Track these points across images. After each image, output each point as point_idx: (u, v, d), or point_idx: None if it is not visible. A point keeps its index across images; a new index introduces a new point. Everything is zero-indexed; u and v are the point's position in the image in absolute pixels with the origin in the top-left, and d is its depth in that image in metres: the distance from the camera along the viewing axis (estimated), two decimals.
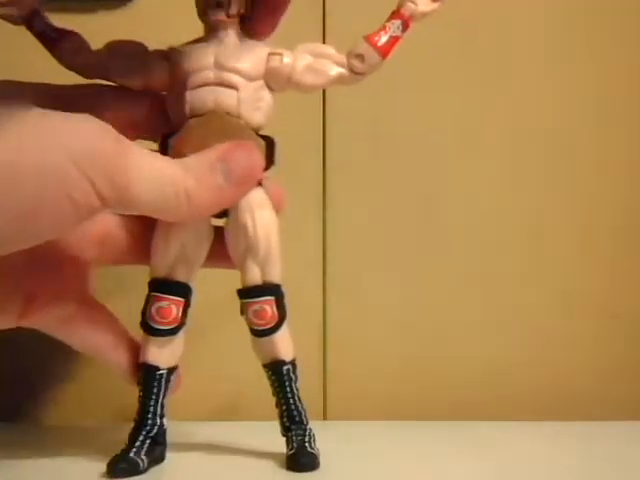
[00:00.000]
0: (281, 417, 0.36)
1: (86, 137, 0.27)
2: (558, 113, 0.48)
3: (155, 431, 0.35)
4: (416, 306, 0.47)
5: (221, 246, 0.35)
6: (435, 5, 0.33)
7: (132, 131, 0.33)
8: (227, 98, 0.33)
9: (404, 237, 0.48)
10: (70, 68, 0.33)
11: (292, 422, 0.35)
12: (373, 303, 0.47)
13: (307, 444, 0.35)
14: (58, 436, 0.42)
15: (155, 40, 0.34)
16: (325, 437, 0.37)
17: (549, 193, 0.48)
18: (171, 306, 0.34)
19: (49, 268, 0.33)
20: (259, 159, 0.32)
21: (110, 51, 0.34)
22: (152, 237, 0.34)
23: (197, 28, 0.33)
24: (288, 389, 0.35)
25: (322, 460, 0.35)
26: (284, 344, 0.35)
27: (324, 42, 0.46)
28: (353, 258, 0.47)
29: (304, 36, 0.45)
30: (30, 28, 0.33)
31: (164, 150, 0.32)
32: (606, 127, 0.48)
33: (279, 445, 0.36)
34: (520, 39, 0.47)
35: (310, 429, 0.36)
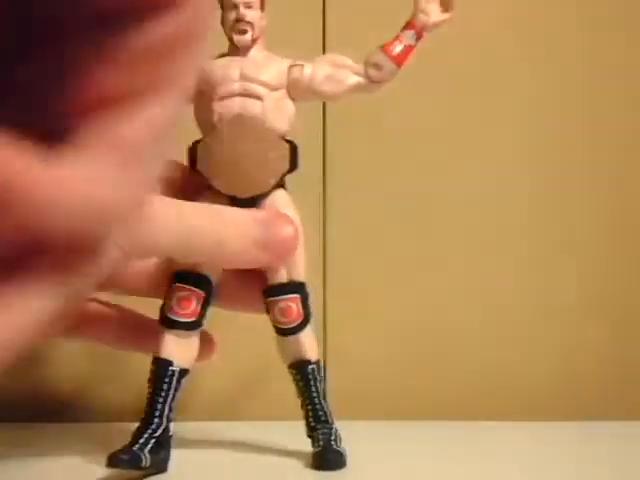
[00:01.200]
0: (307, 417, 0.36)
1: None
2: (558, 115, 0.48)
3: (161, 431, 0.34)
4: (416, 306, 0.48)
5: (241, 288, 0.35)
6: (445, 16, 0.35)
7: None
8: (253, 107, 0.35)
9: (404, 237, 0.48)
10: None
11: (318, 421, 0.36)
12: (373, 303, 0.47)
13: (333, 442, 0.35)
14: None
15: None
16: None
17: (548, 193, 0.48)
18: (192, 297, 0.34)
19: None
20: (297, 236, 0.31)
21: None
22: (159, 278, 0.34)
23: None
24: (314, 389, 0.36)
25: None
26: (309, 344, 0.36)
27: (324, 42, 0.46)
28: (353, 258, 0.47)
29: (304, 36, 0.45)
30: None
31: (193, 156, 0.34)
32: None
33: (282, 444, 0.36)
34: (517, 40, 0.48)
35: (336, 429, 0.36)
